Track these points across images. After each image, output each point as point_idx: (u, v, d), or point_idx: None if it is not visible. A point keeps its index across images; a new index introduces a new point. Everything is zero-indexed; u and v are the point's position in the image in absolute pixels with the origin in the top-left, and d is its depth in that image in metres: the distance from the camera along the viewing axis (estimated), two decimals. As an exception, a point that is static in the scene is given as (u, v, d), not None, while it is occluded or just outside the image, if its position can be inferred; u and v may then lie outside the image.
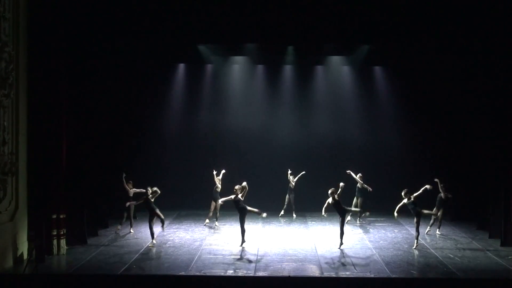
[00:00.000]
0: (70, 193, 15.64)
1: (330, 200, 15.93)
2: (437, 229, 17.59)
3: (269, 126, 22.40)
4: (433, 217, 17.23)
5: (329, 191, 15.98)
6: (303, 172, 20.08)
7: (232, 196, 16.11)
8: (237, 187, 16.12)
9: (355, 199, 19.27)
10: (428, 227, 17.52)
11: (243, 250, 15.62)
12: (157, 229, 16.60)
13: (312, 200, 20.66)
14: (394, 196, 19.79)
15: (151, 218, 16.14)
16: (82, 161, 16.33)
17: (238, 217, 16.09)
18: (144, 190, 16.65)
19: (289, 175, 20.14)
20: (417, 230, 15.79)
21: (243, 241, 15.99)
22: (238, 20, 16.49)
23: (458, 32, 16.48)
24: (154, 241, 16.09)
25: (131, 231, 17.62)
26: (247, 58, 21.39)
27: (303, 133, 22.33)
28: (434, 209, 17.19)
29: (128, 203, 17.17)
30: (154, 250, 15.73)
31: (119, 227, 17.63)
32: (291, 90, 22.40)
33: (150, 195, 16.20)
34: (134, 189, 17.53)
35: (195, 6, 16.27)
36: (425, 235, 17.33)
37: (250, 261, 14.46)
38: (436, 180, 17.22)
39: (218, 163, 20.44)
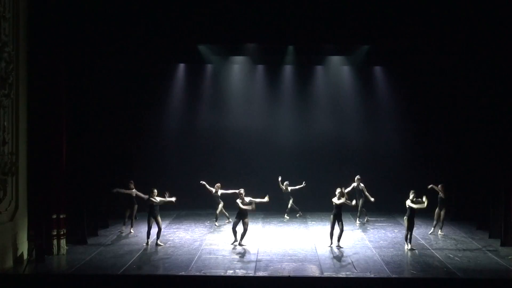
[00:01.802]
0: (70, 193, 15.65)
1: (338, 200, 15.79)
2: (439, 230, 17.60)
3: (269, 126, 22.38)
4: (435, 218, 17.37)
5: (337, 191, 15.84)
6: (303, 185, 19.94)
7: (239, 201, 16.02)
8: (242, 190, 16.08)
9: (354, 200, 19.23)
10: (432, 228, 17.58)
11: (243, 250, 15.61)
12: (154, 229, 16.64)
13: (312, 200, 20.69)
14: (394, 196, 19.87)
15: (150, 219, 16.11)
16: (82, 161, 16.33)
17: (235, 217, 16.11)
18: (147, 196, 16.67)
19: (280, 183, 20.03)
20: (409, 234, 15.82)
21: (235, 240, 16.06)
22: (238, 20, 16.48)
23: (458, 32, 16.47)
24: (146, 243, 16.06)
25: (131, 231, 17.62)
26: (247, 58, 21.36)
27: (303, 133, 22.30)
28: (437, 209, 17.29)
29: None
30: (154, 250, 15.72)
31: (125, 228, 17.74)
32: (291, 90, 22.38)
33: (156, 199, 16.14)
34: (135, 190, 17.53)
35: (195, 6, 16.28)
36: (429, 235, 17.36)
37: (250, 261, 14.46)
38: (431, 186, 17.31)
39: (218, 163, 20.47)
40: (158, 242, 16.13)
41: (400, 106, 21.92)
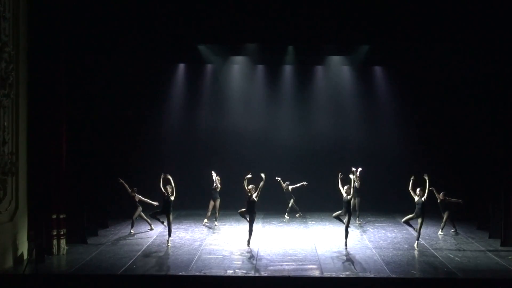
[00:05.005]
0: (70, 193, 15.64)
1: (344, 195, 15.87)
2: (440, 230, 17.65)
3: (269, 126, 22.38)
4: (444, 220, 17.55)
5: (346, 187, 16.07)
6: (304, 183, 19.86)
7: (249, 195, 15.98)
8: (250, 187, 16.04)
9: (352, 199, 19.22)
10: (440, 230, 17.68)
11: (243, 250, 15.60)
12: (157, 228, 16.62)
13: (312, 200, 20.68)
14: (394, 196, 19.89)
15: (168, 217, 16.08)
16: (82, 161, 16.32)
17: (249, 218, 15.96)
18: (151, 202, 16.63)
19: (282, 182, 20.01)
20: (419, 231, 15.80)
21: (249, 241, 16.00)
22: (238, 20, 16.49)
23: (458, 31, 16.48)
24: (169, 241, 16.07)
25: (131, 231, 17.60)
26: (247, 58, 21.35)
27: (303, 133, 22.29)
28: (441, 213, 17.50)
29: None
30: (154, 250, 15.71)
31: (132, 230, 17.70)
32: (291, 90, 22.38)
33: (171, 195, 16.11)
34: (138, 195, 17.53)
35: (195, 6, 16.28)
36: (426, 235, 17.38)
37: (250, 261, 14.46)
38: (431, 188, 17.32)
39: (218, 163, 20.48)
40: (168, 240, 16.11)
41: (400, 106, 21.91)
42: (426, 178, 16.38)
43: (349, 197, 15.91)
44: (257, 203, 16.06)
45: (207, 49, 20.30)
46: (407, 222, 16.20)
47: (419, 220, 15.74)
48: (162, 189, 16.17)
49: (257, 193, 15.91)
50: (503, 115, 16.33)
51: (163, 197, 16.15)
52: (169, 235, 16.12)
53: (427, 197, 15.91)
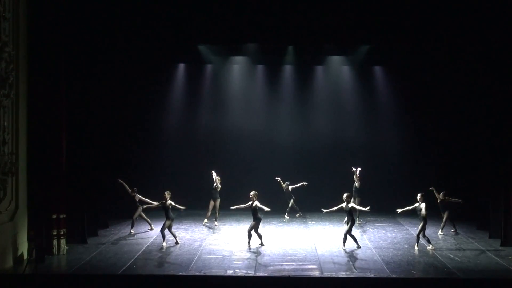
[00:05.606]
0: (70, 193, 15.64)
1: (344, 205, 15.84)
2: (440, 230, 17.65)
3: (269, 126, 22.37)
4: (444, 220, 17.57)
5: (345, 195, 15.95)
6: (304, 183, 19.92)
7: (250, 203, 16.02)
8: (252, 193, 16.05)
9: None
10: (440, 230, 17.69)
11: (243, 250, 15.60)
12: (158, 228, 16.60)
13: (312, 200, 20.66)
14: (394, 195, 19.90)
15: (165, 222, 16.07)
16: (82, 161, 16.32)
17: (253, 223, 15.95)
18: (151, 202, 16.71)
19: (281, 182, 20.03)
20: (421, 235, 15.75)
21: (261, 243, 16.04)
22: (238, 20, 16.50)
23: (458, 31, 16.49)
24: (164, 244, 15.98)
25: (131, 231, 17.61)
26: (247, 58, 21.36)
27: (303, 133, 22.29)
28: (441, 213, 17.53)
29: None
30: (154, 250, 15.71)
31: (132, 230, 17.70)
32: (291, 90, 22.37)
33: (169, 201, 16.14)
34: (138, 195, 17.52)
35: (195, 6, 16.29)
36: (426, 235, 17.37)
37: (250, 261, 14.46)
38: (431, 188, 17.34)
39: (218, 163, 20.48)
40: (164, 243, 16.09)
41: (400, 106, 21.91)
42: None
43: (349, 205, 15.85)
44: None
45: (207, 49, 20.31)
46: (423, 236, 15.87)
47: (420, 224, 15.69)
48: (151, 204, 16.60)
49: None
50: (503, 115, 16.33)
51: (161, 203, 16.14)
52: (163, 238, 16.02)
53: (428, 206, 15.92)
